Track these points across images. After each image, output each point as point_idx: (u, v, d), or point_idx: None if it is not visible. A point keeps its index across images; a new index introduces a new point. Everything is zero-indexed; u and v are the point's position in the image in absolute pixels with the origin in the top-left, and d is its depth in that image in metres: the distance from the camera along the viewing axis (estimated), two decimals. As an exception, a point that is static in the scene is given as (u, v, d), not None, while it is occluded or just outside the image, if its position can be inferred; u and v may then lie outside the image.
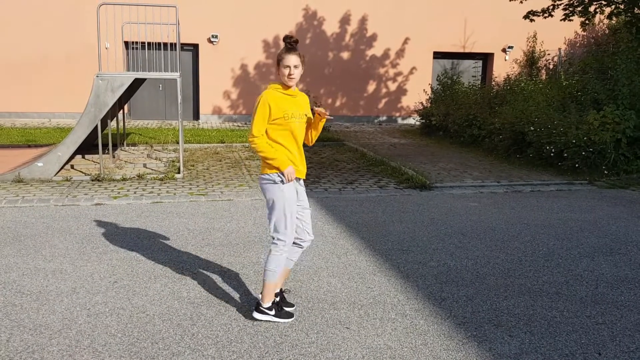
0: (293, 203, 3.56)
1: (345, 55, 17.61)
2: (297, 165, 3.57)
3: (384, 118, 18.18)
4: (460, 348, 3.37)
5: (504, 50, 18.46)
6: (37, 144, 11.24)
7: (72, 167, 8.99)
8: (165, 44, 10.34)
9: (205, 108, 17.07)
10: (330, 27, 17.41)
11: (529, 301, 4.06)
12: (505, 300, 4.08)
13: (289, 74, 3.45)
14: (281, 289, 3.85)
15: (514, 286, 4.35)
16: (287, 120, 3.47)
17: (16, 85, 15.88)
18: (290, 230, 3.56)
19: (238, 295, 4.07)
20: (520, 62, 18.39)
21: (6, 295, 3.98)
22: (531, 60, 18.12)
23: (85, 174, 8.54)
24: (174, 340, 3.38)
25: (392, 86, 18.06)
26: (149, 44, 9.51)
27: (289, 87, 3.53)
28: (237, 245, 5.24)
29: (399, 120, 18.24)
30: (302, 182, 3.71)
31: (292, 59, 3.44)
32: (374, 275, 4.53)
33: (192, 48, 16.86)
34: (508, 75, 14.11)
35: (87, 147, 9.48)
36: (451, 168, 9.61)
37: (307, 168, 9.34)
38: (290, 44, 3.47)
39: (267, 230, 5.77)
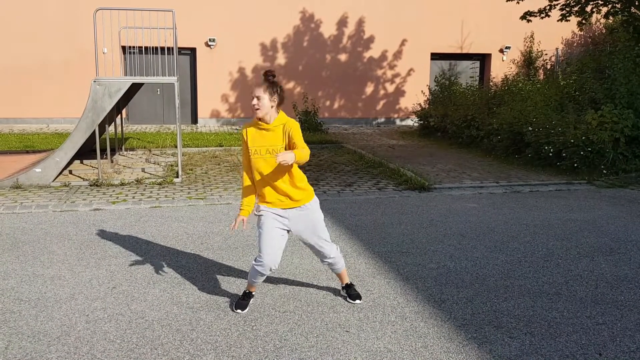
0: (267, 224, 3.67)
1: (342, 57, 17.62)
2: (267, 199, 3.68)
3: (382, 120, 18.18)
4: (461, 350, 3.36)
5: (501, 51, 18.48)
6: (35, 150, 11.22)
7: (70, 172, 8.98)
8: (162, 48, 10.35)
9: (203, 112, 17.06)
10: (328, 30, 17.42)
11: (529, 302, 4.05)
12: (505, 301, 4.07)
13: (253, 105, 3.54)
14: (347, 284, 4.11)
15: (514, 287, 4.34)
16: (252, 156, 3.64)
17: (14, 91, 15.86)
18: (265, 252, 3.65)
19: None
20: (517, 62, 18.42)
21: (4, 302, 3.97)
22: (529, 61, 18.15)
23: (83, 179, 8.53)
24: (173, 345, 3.37)
25: (390, 88, 18.07)
26: (146, 48, 9.51)
27: (258, 118, 3.60)
28: (236, 249, 5.23)
29: (397, 122, 18.25)
30: (294, 210, 3.72)
31: (257, 90, 3.53)
32: (374, 278, 4.52)
33: (189, 52, 16.86)
34: (506, 75, 14.12)
35: (86, 152, 9.47)
36: (450, 169, 9.61)
37: (305, 170, 9.38)
38: (266, 77, 3.58)
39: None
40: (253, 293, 3.97)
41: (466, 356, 3.29)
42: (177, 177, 8.61)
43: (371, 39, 17.67)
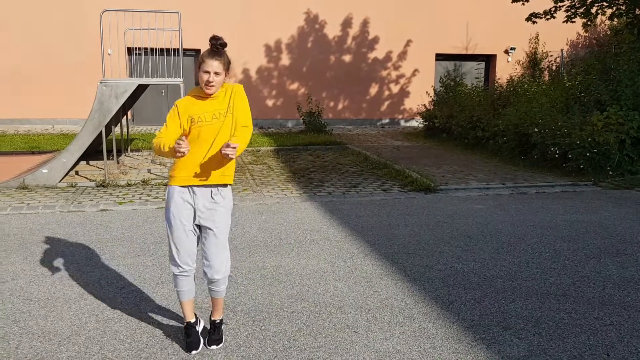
0: (177, 216, 3.17)
1: (347, 58, 17.63)
2: (197, 169, 3.14)
3: (387, 121, 18.19)
4: (469, 351, 3.36)
5: (506, 52, 18.47)
6: (40, 151, 11.27)
7: (76, 173, 9.01)
8: (167, 50, 10.38)
9: (208, 113, 17.08)
10: (332, 31, 17.44)
11: (537, 303, 4.06)
12: (513, 302, 4.07)
13: (207, 82, 3.08)
14: (212, 320, 3.44)
15: (522, 288, 4.34)
16: (195, 125, 3.12)
17: (19, 92, 15.92)
18: (175, 250, 3.20)
19: (245, 300, 4.07)
20: (523, 63, 18.41)
21: (14, 302, 3.99)
22: (534, 62, 18.14)
23: (90, 180, 8.56)
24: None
25: (395, 89, 18.08)
26: (151, 49, 9.56)
27: (208, 94, 3.16)
28: (242, 249, 5.25)
29: (402, 123, 18.25)
30: (208, 193, 3.19)
31: (214, 65, 3.06)
32: (381, 279, 4.52)
33: (194, 53, 16.90)
34: (511, 76, 14.12)
35: (92, 153, 9.50)
36: (455, 170, 9.60)
37: (310, 172, 9.39)
38: (216, 46, 3.07)
39: (272, 235, 5.78)
40: (192, 321, 3.38)
41: (475, 357, 3.29)
42: (183, 178, 8.62)
43: (376, 40, 17.68)
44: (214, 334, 3.38)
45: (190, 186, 3.18)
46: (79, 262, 4.88)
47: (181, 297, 3.33)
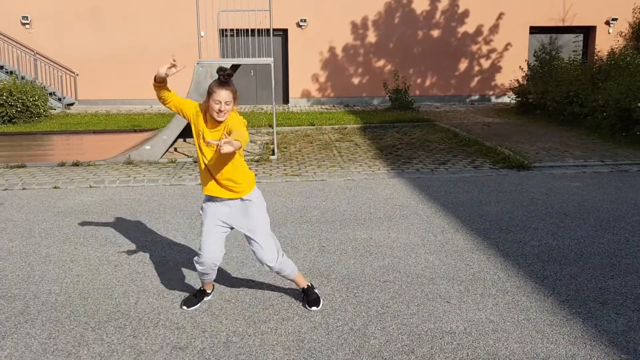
0: (209, 219, 3.44)
1: (435, 33, 17.27)
2: (208, 186, 3.39)
3: (477, 97, 17.70)
4: (565, 324, 3.34)
5: (607, 23, 17.33)
6: (142, 129, 12.01)
7: (175, 149, 9.56)
8: (256, 30, 10.71)
9: (294, 92, 17.41)
10: (420, 5, 17.11)
11: (637, 280, 3.93)
12: (612, 279, 3.97)
13: (219, 110, 3.24)
14: (303, 288, 3.67)
15: (621, 266, 4.21)
16: (199, 139, 3.36)
17: (120, 74, 16.95)
18: (204, 246, 3.43)
19: (338, 269, 4.23)
20: (625, 35, 17.21)
21: (130, 264, 4.39)
22: (638, 33, 16.89)
23: (187, 156, 9.07)
24: (283, 307, 3.61)
25: (485, 64, 17.52)
26: (240, 30, 9.90)
27: (217, 121, 3.30)
28: (333, 222, 5.42)
29: (493, 99, 17.69)
30: (234, 202, 3.42)
31: (224, 95, 3.22)
32: (472, 253, 4.54)
33: (281, 33, 17.21)
34: (612, 49, 13.27)
35: (188, 131, 10.01)
36: (550, 147, 9.26)
37: (397, 149, 9.41)
38: (224, 77, 3.27)
39: (361, 209, 5.90)
40: (208, 291, 3.71)
41: (570, 330, 3.27)
42: (273, 154, 8.94)
43: (466, 14, 17.17)
44: (308, 296, 3.63)
45: (214, 201, 3.46)
46: (183, 230, 5.25)
47: (204, 282, 3.70)
